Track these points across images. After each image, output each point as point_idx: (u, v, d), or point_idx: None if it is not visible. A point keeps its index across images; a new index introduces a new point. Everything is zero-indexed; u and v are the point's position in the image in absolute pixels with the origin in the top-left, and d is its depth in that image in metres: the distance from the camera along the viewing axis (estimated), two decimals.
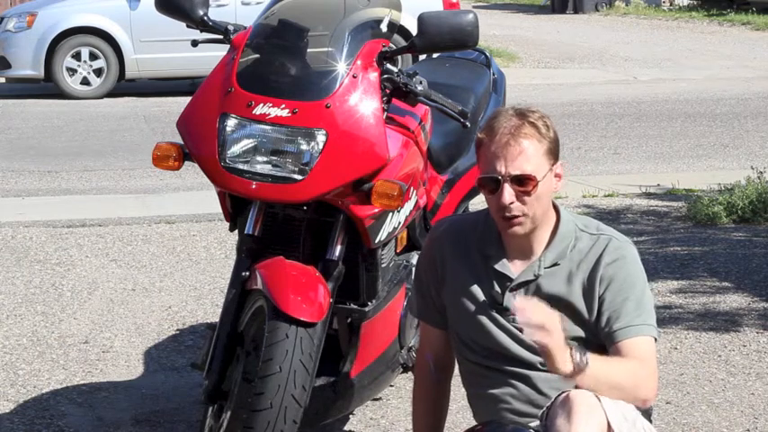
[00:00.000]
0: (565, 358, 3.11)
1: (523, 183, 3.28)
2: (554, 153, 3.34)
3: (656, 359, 3.35)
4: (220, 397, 3.98)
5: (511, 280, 3.40)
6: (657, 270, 6.79)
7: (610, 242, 3.39)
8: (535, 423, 3.35)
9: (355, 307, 4.14)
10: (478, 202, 5.42)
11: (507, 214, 3.30)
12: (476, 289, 3.43)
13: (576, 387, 3.22)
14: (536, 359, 3.33)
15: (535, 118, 3.31)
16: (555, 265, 3.38)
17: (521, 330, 3.17)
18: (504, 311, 3.39)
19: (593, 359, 3.16)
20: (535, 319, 3.06)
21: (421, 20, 4.12)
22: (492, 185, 3.30)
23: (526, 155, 3.27)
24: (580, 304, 3.36)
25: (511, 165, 3.27)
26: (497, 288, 3.41)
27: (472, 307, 3.42)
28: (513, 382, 3.40)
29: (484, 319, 3.41)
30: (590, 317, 3.35)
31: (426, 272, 3.57)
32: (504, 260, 3.41)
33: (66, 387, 5.17)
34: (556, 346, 3.09)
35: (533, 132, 3.29)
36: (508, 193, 3.27)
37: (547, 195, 3.34)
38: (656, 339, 3.36)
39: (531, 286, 3.39)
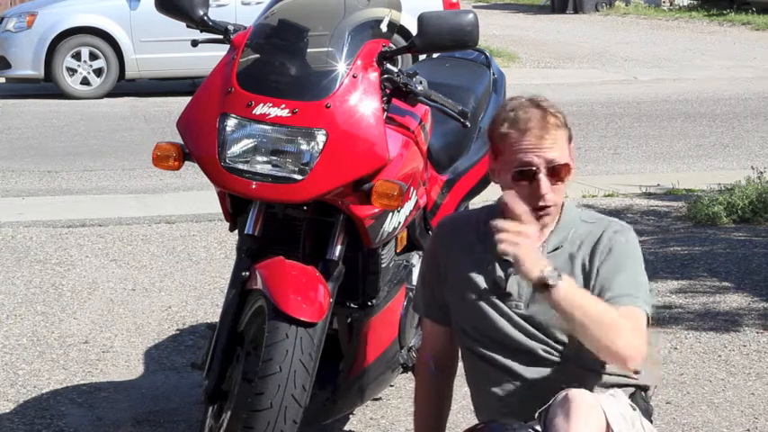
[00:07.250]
0: (536, 264, 3.17)
1: (558, 172, 3.34)
2: (570, 137, 3.42)
3: (645, 329, 3.30)
4: (220, 397, 3.98)
5: None
6: (657, 270, 6.79)
7: (610, 224, 3.46)
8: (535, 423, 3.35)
9: (355, 307, 4.14)
10: (479, 202, 5.44)
11: (542, 204, 3.35)
12: (478, 276, 3.44)
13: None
14: (537, 346, 3.36)
15: (548, 105, 3.39)
16: (557, 248, 3.41)
17: (511, 268, 3.27)
18: (507, 297, 3.41)
19: (570, 283, 3.19)
20: (519, 208, 3.20)
21: (421, 20, 4.12)
22: (528, 177, 3.34)
23: (558, 145, 3.35)
24: (580, 284, 3.36)
25: (548, 155, 3.33)
26: (500, 273, 3.42)
27: (475, 294, 3.44)
28: (514, 380, 3.40)
29: (486, 306, 3.42)
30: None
31: (430, 266, 3.59)
32: None
33: (66, 387, 5.17)
34: (527, 250, 3.17)
35: (556, 122, 3.36)
36: (545, 183, 3.33)
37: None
38: (648, 318, 3.34)
39: None
